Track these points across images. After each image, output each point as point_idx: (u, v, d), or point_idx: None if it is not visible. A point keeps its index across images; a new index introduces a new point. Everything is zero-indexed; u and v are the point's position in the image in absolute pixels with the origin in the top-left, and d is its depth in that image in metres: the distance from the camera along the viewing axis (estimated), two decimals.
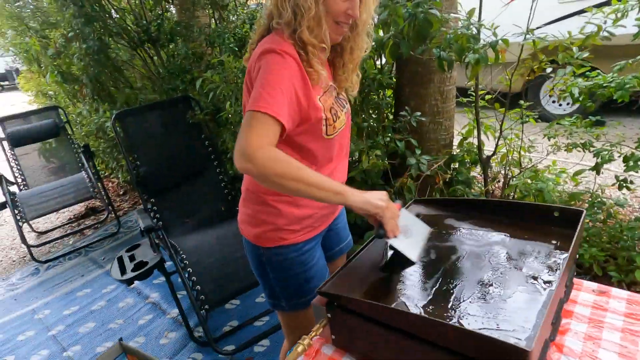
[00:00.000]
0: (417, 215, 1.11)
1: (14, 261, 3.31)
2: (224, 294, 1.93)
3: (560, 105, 4.41)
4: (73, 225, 3.82)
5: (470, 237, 0.96)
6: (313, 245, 1.19)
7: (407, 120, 2.14)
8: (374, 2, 1.04)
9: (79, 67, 3.52)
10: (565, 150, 2.16)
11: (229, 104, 2.34)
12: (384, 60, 2.32)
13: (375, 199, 0.95)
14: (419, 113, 2.15)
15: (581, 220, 0.84)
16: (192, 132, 2.76)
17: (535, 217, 0.96)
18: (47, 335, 2.31)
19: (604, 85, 1.88)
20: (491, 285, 0.78)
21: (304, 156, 1.06)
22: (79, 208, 4.09)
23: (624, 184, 1.99)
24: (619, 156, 1.96)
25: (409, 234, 0.98)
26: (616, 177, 2.01)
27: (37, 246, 3.42)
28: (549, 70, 2.09)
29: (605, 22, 1.80)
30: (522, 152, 2.35)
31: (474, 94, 2.14)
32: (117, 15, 3.31)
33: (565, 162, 2.76)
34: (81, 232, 3.64)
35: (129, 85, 3.62)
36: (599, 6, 1.84)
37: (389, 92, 2.53)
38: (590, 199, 2.11)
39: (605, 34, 1.77)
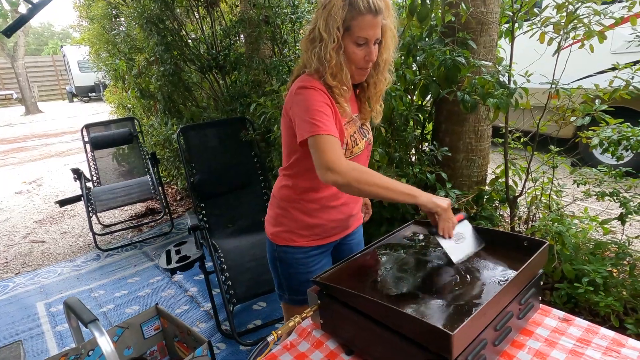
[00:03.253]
0: (414, 234, 1.28)
1: (80, 247, 3.78)
2: (250, 293, 2.15)
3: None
4: (133, 221, 4.28)
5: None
6: (320, 252, 1.37)
7: (434, 154, 2.30)
8: (393, 43, 1.23)
9: (155, 86, 4.04)
10: (596, 198, 2.19)
11: (276, 127, 2.63)
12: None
13: (440, 200, 1.06)
14: (445, 148, 2.30)
15: (540, 249, 0.97)
16: (244, 149, 3.05)
17: (510, 245, 1.09)
18: (99, 311, 2.64)
19: (630, 137, 1.94)
20: (453, 291, 0.93)
21: None
22: (139, 207, 4.56)
23: None
24: None
25: (460, 241, 1.09)
26: None
27: (101, 234, 3.89)
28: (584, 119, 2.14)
29: (632, 78, 1.89)
30: (554, 196, 2.40)
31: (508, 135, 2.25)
32: (192, 44, 3.79)
33: (608, 211, 2.73)
34: (139, 228, 4.07)
35: (195, 103, 4.06)
36: None
37: (429, 127, 2.69)
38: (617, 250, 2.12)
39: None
